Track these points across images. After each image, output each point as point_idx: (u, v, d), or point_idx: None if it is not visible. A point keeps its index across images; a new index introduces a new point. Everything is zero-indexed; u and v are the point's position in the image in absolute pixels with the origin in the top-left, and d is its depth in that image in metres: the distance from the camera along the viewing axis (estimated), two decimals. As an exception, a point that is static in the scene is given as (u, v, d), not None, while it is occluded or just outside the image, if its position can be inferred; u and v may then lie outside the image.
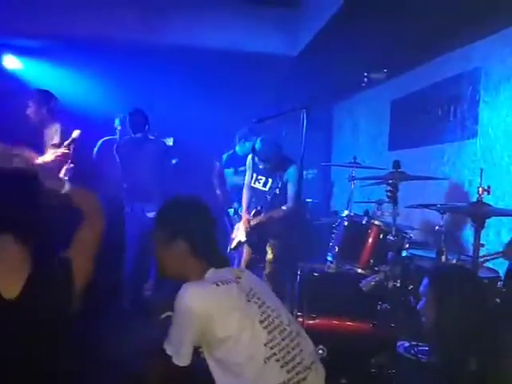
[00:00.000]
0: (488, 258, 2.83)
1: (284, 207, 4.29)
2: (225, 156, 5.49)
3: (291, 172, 4.26)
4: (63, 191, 1.87)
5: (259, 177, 4.47)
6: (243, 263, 4.57)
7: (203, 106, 6.13)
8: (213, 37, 5.18)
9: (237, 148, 5.31)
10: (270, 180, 4.40)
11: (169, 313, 1.97)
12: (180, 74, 5.68)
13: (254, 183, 4.50)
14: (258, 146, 4.30)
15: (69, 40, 5.19)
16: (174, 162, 5.27)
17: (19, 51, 5.73)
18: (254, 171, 4.50)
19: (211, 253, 1.96)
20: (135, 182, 4.55)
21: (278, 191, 4.34)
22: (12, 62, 5.86)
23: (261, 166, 4.38)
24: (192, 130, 5.80)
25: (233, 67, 5.63)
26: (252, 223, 4.46)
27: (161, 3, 5.15)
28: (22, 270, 1.66)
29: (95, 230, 1.88)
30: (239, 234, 4.58)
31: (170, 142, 5.29)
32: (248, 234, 4.49)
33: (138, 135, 4.58)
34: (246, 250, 4.63)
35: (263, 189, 4.45)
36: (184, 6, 5.13)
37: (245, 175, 4.65)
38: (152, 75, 5.75)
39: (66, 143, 3.99)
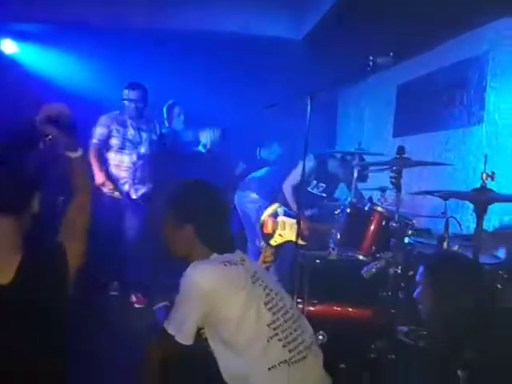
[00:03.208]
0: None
1: None
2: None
3: None
4: (74, 156, 1.76)
5: (320, 184, 4.52)
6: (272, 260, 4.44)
7: (210, 91, 6.08)
8: (218, 20, 5.13)
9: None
10: (330, 186, 4.52)
11: (165, 302, 1.98)
12: (183, 59, 5.61)
13: (313, 189, 4.53)
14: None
15: (68, 24, 5.14)
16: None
17: (17, 36, 5.67)
18: (315, 178, 4.51)
19: (218, 238, 1.97)
20: None
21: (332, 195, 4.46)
22: (10, 47, 5.82)
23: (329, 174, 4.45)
24: (194, 114, 5.76)
25: (240, 51, 5.57)
26: (314, 227, 4.35)
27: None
28: (15, 254, 1.60)
29: (84, 212, 1.79)
30: (288, 233, 4.39)
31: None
32: (308, 238, 4.34)
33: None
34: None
35: (320, 194, 4.53)
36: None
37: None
38: (151, 60, 5.70)
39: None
